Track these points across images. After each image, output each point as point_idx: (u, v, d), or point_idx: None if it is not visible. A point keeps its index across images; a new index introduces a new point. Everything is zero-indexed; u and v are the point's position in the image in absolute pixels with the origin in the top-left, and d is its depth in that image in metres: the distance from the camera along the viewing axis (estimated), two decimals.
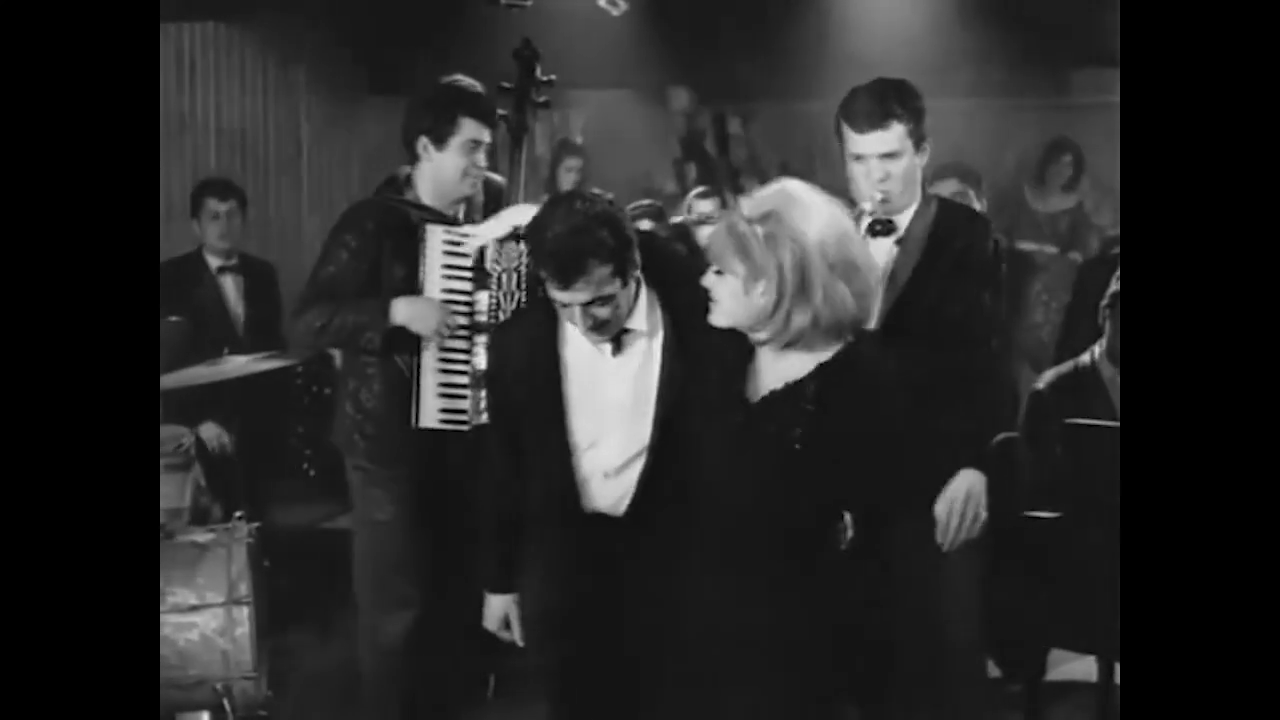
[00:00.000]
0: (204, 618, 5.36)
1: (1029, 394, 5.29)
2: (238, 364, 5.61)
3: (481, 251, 4.69)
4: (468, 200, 4.89)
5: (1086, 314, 5.48)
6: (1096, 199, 8.93)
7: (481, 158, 4.85)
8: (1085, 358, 5.24)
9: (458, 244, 4.71)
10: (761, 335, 3.42)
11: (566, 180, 8.84)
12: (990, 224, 4.50)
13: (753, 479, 3.41)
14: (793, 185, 3.48)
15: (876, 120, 4.26)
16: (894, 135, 4.26)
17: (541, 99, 5.63)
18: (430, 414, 4.68)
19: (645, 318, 3.80)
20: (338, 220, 4.90)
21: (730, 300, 3.40)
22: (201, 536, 5.50)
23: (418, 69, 6.57)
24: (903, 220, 4.34)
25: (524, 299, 4.67)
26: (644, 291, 3.80)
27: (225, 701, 5.30)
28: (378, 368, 4.75)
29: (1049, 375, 5.34)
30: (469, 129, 4.80)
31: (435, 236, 4.70)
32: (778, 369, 3.44)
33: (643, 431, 3.78)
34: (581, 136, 10.09)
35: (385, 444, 4.78)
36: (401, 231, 4.72)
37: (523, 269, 4.69)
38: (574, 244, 3.58)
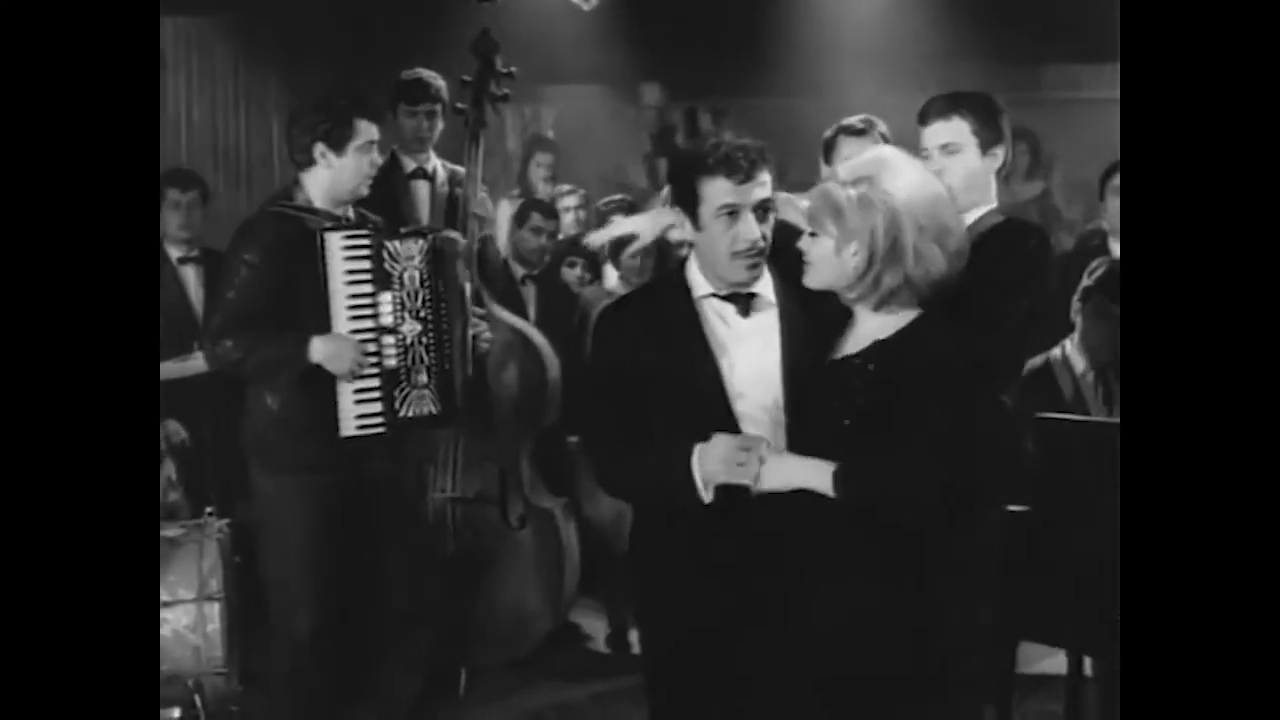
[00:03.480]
0: (175, 613, 5.35)
1: None
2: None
3: (380, 252, 4.69)
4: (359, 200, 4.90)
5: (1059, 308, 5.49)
6: (1068, 194, 8.96)
7: (376, 156, 4.86)
8: (1056, 351, 5.25)
9: (356, 248, 4.72)
10: (852, 295, 3.46)
11: (537, 175, 8.84)
12: (1048, 238, 4.47)
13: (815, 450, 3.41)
14: (887, 150, 3.54)
15: (941, 113, 4.32)
16: (953, 128, 4.29)
17: (501, 92, 5.61)
18: (348, 422, 4.68)
19: (769, 286, 3.70)
20: (233, 238, 4.84)
21: (823, 262, 3.45)
22: (173, 532, 5.49)
23: (387, 64, 6.55)
24: (966, 220, 4.34)
25: (428, 296, 4.75)
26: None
27: (196, 697, 5.29)
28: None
29: None
30: (365, 131, 4.80)
31: (334, 243, 4.69)
32: (867, 330, 3.47)
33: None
34: (553, 131, 10.08)
35: (300, 452, 4.76)
36: (300, 240, 4.69)
37: (423, 266, 4.75)
38: (749, 143, 3.59)
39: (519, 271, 7.01)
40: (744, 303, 3.64)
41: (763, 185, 3.58)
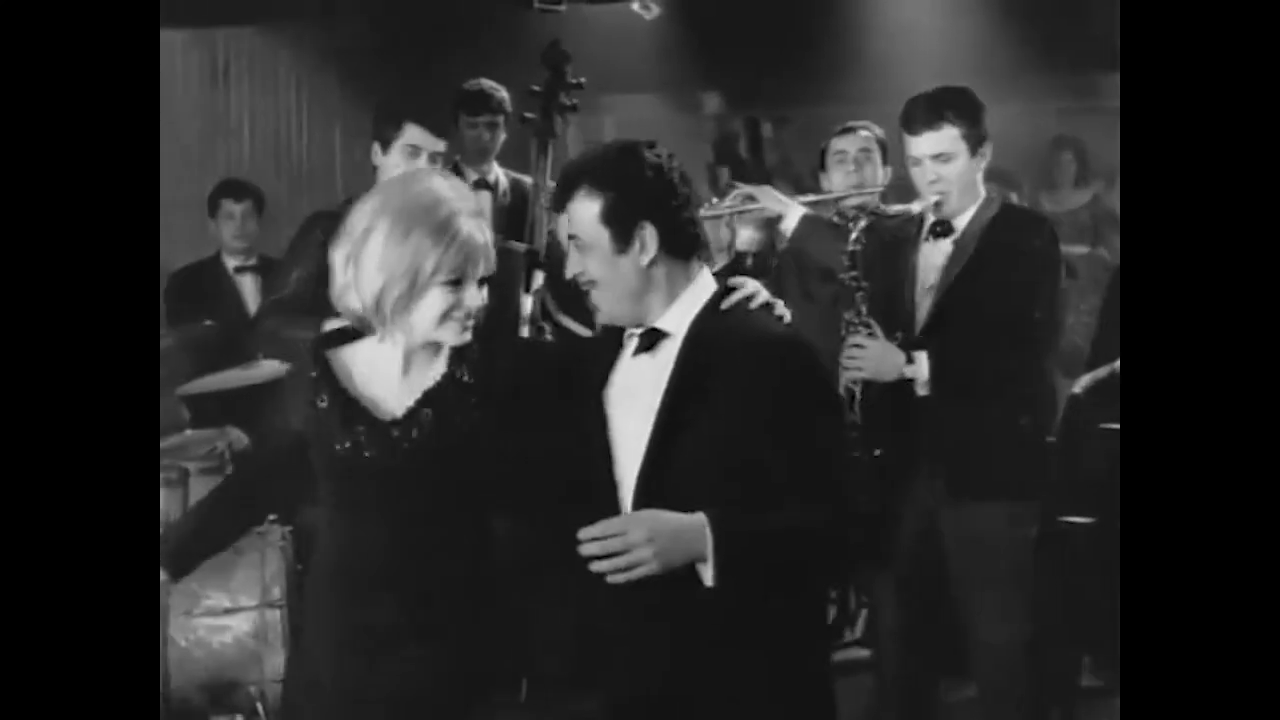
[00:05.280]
0: (237, 621, 5.37)
1: (1066, 398, 5.27)
2: (272, 367, 5.60)
3: None
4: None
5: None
6: None
7: (426, 164, 4.83)
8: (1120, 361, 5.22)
9: None
10: None
11: None
12: (1052, 226, 4.50)
13: None
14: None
15: (929, 122, 4.36)
16: (946, 137, 4.34)
17: (570, 102, 5.62)
18: None
19: (678, 322, 3.18)
20: (297, 232, 5.01)
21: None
22: None
23: (451, 74, 6.57)
24: (961, 222, 4.39)
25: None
26: (685, 295, 3.20)
27: (259, 705, 5.31)
28: None
29: (1085, 380, 5.31)
30: (411, 134, 4.85)
31: None
32: None
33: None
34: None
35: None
36: None
37: None
38: (579, 163, 3.16)
39: None
40: (647, 339, 3.21)
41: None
